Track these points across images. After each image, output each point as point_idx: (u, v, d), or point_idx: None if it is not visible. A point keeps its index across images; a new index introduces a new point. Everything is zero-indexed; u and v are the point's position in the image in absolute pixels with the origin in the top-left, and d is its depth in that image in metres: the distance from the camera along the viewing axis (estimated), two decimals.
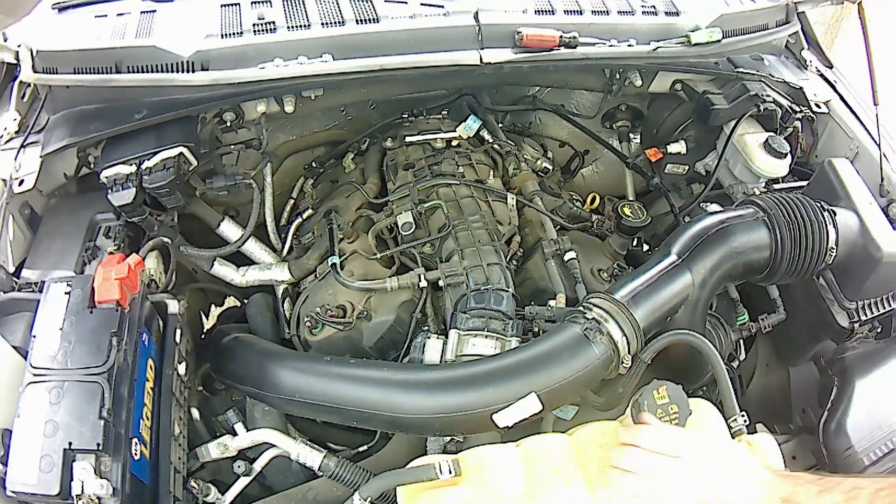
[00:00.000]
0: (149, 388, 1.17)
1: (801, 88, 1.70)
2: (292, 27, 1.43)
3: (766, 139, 1.63)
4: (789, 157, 1.63)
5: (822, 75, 1.86)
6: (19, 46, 1.42)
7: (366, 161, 1.83)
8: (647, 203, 1.83)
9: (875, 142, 1.64)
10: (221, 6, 1.50)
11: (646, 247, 1.93)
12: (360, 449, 1.52)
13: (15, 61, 1.44)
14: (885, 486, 0.82)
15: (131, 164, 1.36)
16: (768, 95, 1.64)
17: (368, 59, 1.41)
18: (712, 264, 1.31)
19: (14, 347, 1.16)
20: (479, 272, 1.39)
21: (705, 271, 1.30)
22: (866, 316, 1.44)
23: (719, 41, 1.60)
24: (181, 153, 1.37)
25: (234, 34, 1.42)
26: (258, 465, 1.36)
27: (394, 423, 1.23)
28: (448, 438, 1.29)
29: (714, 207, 1.65)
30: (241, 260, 1.65)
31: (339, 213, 1.67)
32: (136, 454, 1.07)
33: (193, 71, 1.38)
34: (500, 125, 1.91)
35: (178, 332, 1.30)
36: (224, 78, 1.38)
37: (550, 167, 1.85)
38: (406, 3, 1.51)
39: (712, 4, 1.70)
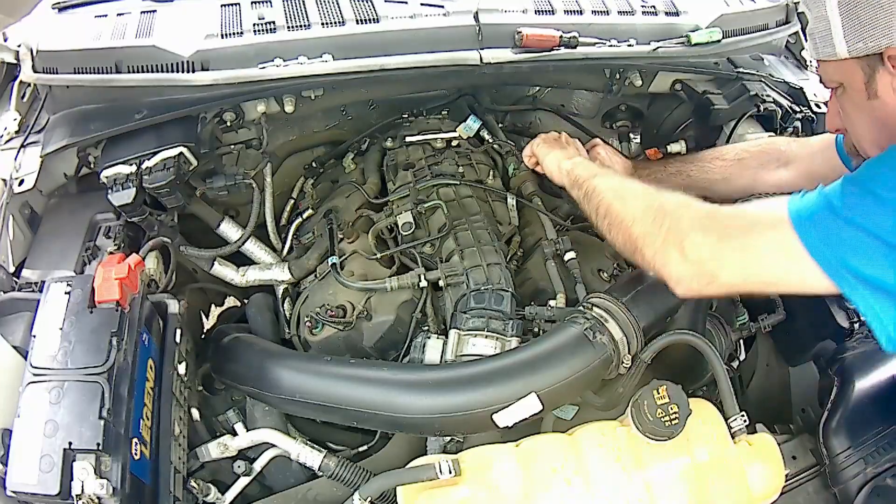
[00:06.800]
0: (149, 388, 1.17)
1: (801, 88, 1.70)
2: (292, 27, 1.43)
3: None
4: None
5: None
6: (19, 46, 1.42)
7: (366, 161, 1.83)
8: None
9: None
10: (221, 6, 1.49)
11: None
12: (360, 449, 1.51)
13: (15, 61, 1.44)
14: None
15: (131, 164, 1.35)
16: (768, 95, 1.63)
17: (368, 59, 1.41)
18: None
19: (14, 347, 1.16)
20: (479, 272, 1.39)
21: None
22: None
23: (719, 41, 1.60)
24: (181, 153, 1.37)
25: (234, 34, 1.42)
26: (258, 465, 1.35)
27: (394, 423, 1.23)
28: (448, 438, 1.29)
29: None
30: (241, 260, 1.65)
31: (339, 213, 1.66)
32: (136, 454, 1.07)
33: (193, 71, 1.38)
34: (500, 125, 1.91)
35: (178, 332, 1.30)
36: (224, 78, 1.37)
37: None
38: (406, 3, 1.51)
39: (712, 4, 1.69)
